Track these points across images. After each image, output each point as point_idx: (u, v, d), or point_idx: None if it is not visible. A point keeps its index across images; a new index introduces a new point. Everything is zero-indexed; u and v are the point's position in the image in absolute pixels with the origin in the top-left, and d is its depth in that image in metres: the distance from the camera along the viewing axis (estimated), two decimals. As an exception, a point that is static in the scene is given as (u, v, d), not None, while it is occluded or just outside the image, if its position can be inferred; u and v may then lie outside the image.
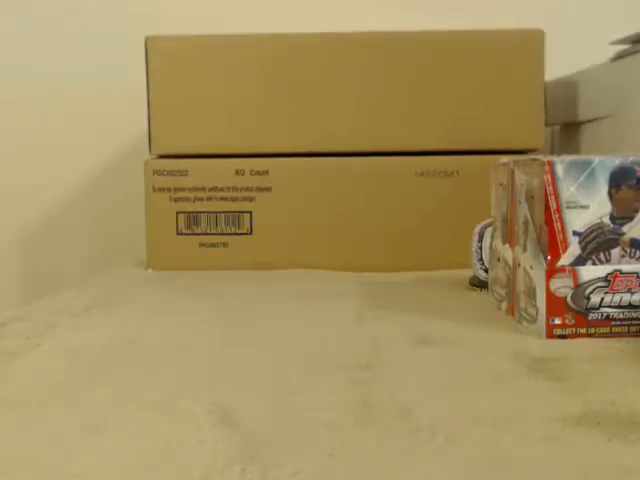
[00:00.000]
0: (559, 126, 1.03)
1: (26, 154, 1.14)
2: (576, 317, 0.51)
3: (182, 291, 0.75)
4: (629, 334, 0.51)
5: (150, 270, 0.86)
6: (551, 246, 0.50)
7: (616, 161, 0.51)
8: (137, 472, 0.31)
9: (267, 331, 0.56)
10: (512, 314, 0.58)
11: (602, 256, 0.51)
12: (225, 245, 0.86)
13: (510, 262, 0.58)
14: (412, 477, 0.30)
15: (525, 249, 0.54)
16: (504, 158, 0.60)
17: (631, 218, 0.51)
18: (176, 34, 0.87)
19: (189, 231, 0.87)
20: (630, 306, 0.51)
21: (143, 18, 1.06)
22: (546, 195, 0.50)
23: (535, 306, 0.52)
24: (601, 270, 0.51)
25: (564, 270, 0.50)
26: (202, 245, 0.86)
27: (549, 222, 0.50)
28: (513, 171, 0.56)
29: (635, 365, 0.45)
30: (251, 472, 0.31)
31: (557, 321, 0.50)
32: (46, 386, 0.42)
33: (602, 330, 0.51)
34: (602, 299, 0.50)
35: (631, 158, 0.51)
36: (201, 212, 0.86)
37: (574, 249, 0.51)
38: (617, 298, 0.51)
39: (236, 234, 0.86)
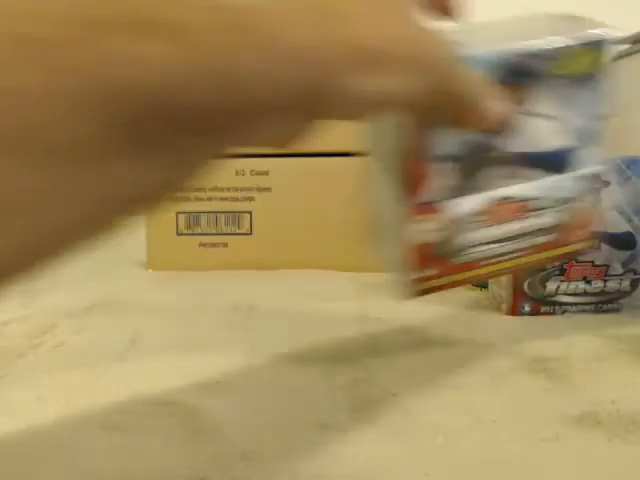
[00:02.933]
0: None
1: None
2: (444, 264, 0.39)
3: (182, 291, 0.75)
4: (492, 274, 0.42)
5: (150, 270, 0.86)
6: (413, 176, 0.37)
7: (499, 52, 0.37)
8: (138, 472, 0.31)
9: (267, 331, 0.56)
10: (512, 314, 0.58)
11: (479, 181, 0.39)
12: (225, 245, 0.86)
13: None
14: (412, 477, 0.30)
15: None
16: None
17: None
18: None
19: (189, 231, 0.87)
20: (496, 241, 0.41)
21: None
22: None
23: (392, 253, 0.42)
24: (477, 200, 0.39)
25: (431, 208, 0.39)
26: (202, 245, 0.86)
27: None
28: None
29: (635, 365, 0.45)
30: (249, 473, 0.31)
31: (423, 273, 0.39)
32: (46, 386, 0.42)
33: (468, 274, 0.41)
34: (479, 235, 0.40)
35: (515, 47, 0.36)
36: (201, 212, 0.86)
37: (443, 178, 0.38)
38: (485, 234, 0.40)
39: (236, 234, 0.86)
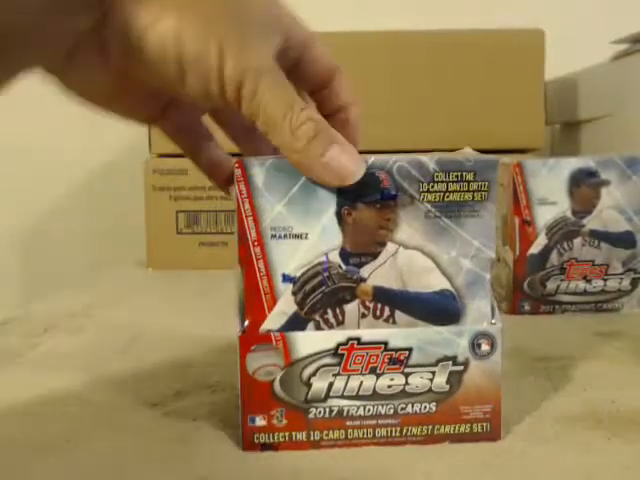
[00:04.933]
0: (559, 125, 1.03)
1: (26, 154, 1.14)
2: (289, 413, 0.32)
3: (182, 290, 0.75)
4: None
5: (150, 269, 0.86)
6: (250, 298, 0.32)
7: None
8: (138, 472, 0.31)
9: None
10: (512, 313, 0.58)
11: (330, 315, 0.32)
12: (225, 244, 0.86)
13: (510, 264, 0.58)
14: (412, 476, 0.30)
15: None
16: (505, 158, 0.60)
17: (373, 255, 0.32)
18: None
19: (189, 230, 0.87)
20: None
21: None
22: (240, 216, 0.31)
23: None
24: (329, 338, 0.32)
25: (269, 338, 0.32)
26: (202, 244, 0.86)
27: (246, 260, 0.31)
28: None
29: (635, 364, 0.45)
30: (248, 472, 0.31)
31: (259, 421, 0.32)
32: (46, 386, 0.42)
33: (335, 431, 0.32)
34: (331, 384, 0.32)
35: (372, 159, 0.31)
36: (201, 211, 0.86)
37: (286, 303, 0.32)
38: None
39: (236, 233, 0.86)
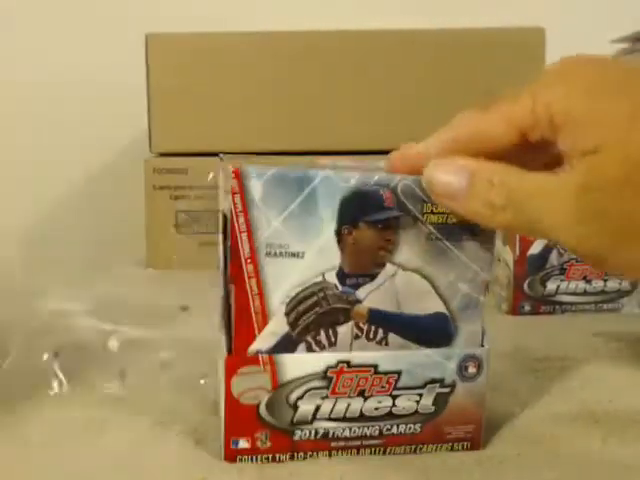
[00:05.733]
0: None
1: (26, 154, 1.14)
2: (274, 435, 0.32)
3: (182, 290, 0.75)
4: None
5: (150, 269, 0.86)
6: (240, 318, 0.30)
7: (351, 180, 0.30)
8: (137, 473, 0.31)
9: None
10: (512, 314, 0.58)
11: (323, 336, 0.31)
12: (225, 244, 0.86)
13: (510, 265, 0.58)
14: (411, 476, 0.30)
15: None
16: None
17: (371, 276, 0.31)
18: (176, 32, 0.86)
19: (189, 230, 0.86)
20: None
21: (143, 16, 1.06)
22: (233, 230, 0.30)
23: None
24: (319, 360, 0.31)
25: (257, 361, 0.31)
26: (202, 244, 0.86)
27: (237, 277, 0.30)
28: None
29: (633, 365, 0.45)
30: (249, 474, 0.31)
31: (242, 444, 0.31)
32: (45, 385, 0.42)
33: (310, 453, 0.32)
34: (318, 407, 0.31)
35: (377, 176, 0.30)
36: (201, 211, 0.86)
37: (278, 323, 0.31)
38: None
39: (236, 233, 0.86)
